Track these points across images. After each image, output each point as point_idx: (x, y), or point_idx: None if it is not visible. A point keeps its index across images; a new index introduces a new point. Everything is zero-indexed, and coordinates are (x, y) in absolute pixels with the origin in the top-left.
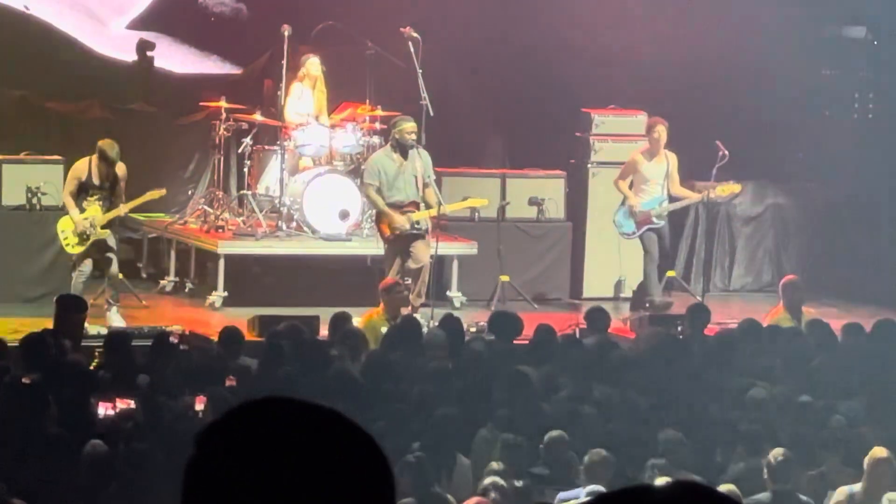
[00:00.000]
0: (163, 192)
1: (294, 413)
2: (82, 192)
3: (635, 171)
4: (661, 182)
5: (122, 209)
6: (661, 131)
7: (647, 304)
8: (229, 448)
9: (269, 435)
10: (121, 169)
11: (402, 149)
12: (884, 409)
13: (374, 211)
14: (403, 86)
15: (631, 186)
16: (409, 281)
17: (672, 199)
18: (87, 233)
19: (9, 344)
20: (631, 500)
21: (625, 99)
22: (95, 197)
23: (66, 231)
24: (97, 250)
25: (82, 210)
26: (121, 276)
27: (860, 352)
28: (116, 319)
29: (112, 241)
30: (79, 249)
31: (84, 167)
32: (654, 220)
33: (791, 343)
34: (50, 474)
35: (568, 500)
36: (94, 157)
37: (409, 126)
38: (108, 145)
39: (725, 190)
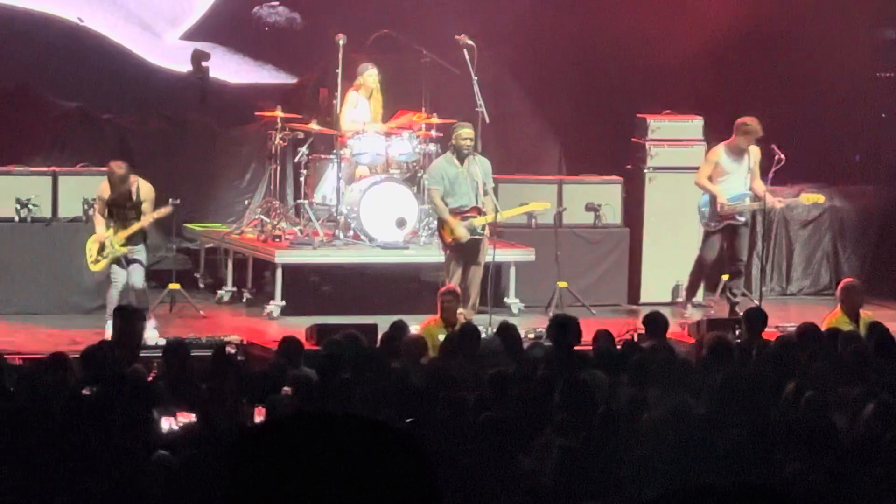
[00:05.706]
0: (169, 209)
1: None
2: (109, 209)
3: (716, 164)
4: (744, 177)
5: (136, 226)
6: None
7: (687, 306)
8: (269, 460)
9: (305, 447)
10: (144, 187)
11: (461, 154)
12: None
13: (436, 217)
14: (459, 93)
15: (710, 180)
16: (469, 289)
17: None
18: (106, 249)
19: (70, 356)
20: (695, 499)
21: (680, 103)
22: (118, 215)
23: (91, 248)
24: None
25: (108, 227)
26: (178, 286)
27: None
28: (150, 334)
29: (139, 255)
30: (97, 267)
31: (106, 185)
32: (737, 217)
33: (850, 346)
34: (114, 487)
35: None
36: None
37: (464, 132)
38: (113, 166)
39: (809, 199)
